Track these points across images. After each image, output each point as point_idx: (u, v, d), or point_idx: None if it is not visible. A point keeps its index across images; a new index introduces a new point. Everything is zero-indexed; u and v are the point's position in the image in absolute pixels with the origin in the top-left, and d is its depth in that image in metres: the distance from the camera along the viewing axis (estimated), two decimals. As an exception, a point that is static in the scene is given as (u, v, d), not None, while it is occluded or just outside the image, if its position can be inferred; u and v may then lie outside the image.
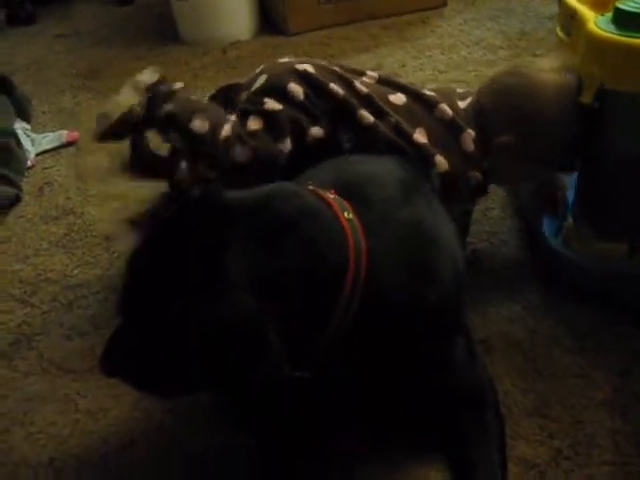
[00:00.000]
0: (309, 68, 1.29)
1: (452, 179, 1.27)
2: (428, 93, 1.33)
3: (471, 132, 1.29)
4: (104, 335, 1.35)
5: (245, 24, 2.65)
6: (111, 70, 2.47)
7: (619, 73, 1.25)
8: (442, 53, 2.36)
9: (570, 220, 1.44)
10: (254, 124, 1.24)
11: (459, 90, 1.39)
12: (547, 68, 1.32)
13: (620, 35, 1.23)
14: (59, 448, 1.19)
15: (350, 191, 1.05)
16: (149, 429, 1.20)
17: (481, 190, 1.33)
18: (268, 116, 1.24)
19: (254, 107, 1.26)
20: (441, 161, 1.27)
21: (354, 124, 1.26)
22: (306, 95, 1.26)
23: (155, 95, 1.30)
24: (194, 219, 0.93)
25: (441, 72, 2.21)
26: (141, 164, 1.84)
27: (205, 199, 0.95)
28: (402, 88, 1.33)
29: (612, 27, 1.26)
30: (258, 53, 2.49)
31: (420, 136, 1.27)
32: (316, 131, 1.26)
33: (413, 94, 1.32)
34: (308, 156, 1.23)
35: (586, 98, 1.30)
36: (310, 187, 1.04)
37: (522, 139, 1.29)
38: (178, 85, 1.32)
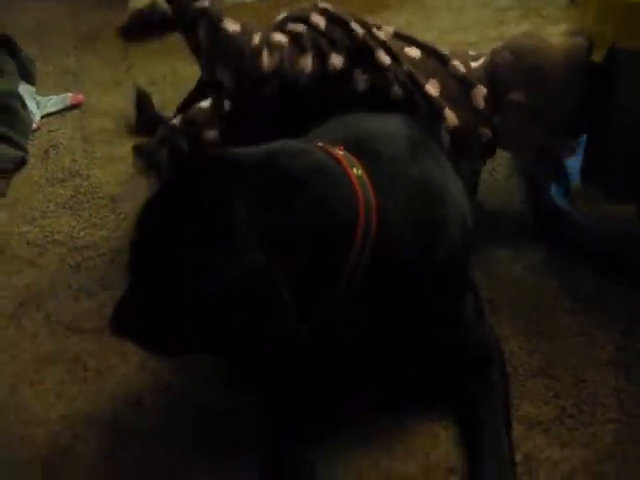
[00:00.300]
0: (331, 8, 1.31)
1: (462, 134, 1.28)
2: (442, 49, 1.34)
3: (482, 88, 1.30)
4: (112, 296, 1.38)
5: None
6: (111, 31, 2.44)
7: (630, 32, 1.24)
8: (450, 14, 2.33)
9: (578, 183, 1.44)
10: (280, 37, 1.27)
11: (472, 52, 1.40)
12: (558, 33, 1.33)
13: (632, -6, 1.22)
14: (68, 406, 1.21)
15: (359, 147, 1.05)
16: (156, 389, 1.21)
17: (491, 149, 1.33)
18: (292, 34, 1.27)
19: (279, 28, 1.29)
20: (450, 115, 1.28)
21: (371, 64, 1.27)
22: (327, 26, 1.28)
23: None
24: (201, 175, 0.93)
25: (447, 33, 2.19)
26: (146, 126, 1.84)
27: (212, 156, 0.95)
28: (417, 43, 1.34)
29: (624, -14, 1.24)
30: (262, 15, 2.45)
31: (432, 88, 1.28)
32: (336, 60, 1.27)
33: (427, 49, 1.33)
34: (327, 90, 1.25)
35: (597, 57, 1.30)
36: (319, 144, 1.04)
37: (533, 98, 1.30)
38: None
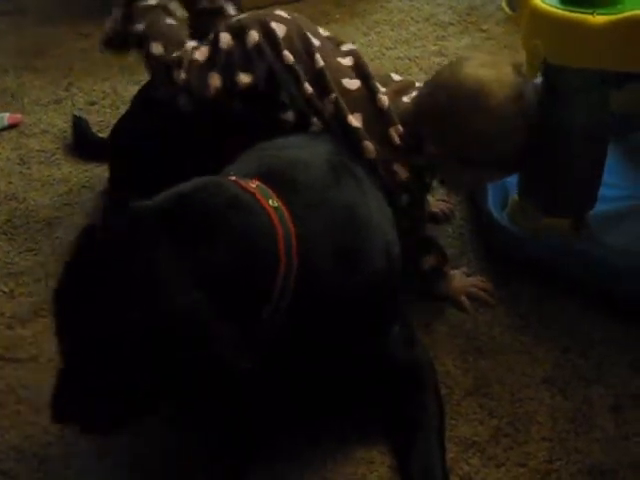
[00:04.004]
0: (278, 29, 1.32)
1: (379, 167, 1.26)
2: (375, 83, 1.31)
3: (399, 127, 1.28)
4: (47, 324, 1.36)
5: (194, 0, 2.60)
6: (56, 49, 2.40)
7: (562, 48, 1.25)
8: (391, 29, 2.34)
9: (515, 195, 1.45)
10: (200, 55, 1.33)
11: (418, 83, 1.36)
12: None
13: (563, 9, 1.23)
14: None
15: (274, 178, 1.05)
16: (90, 419, 1.19)
17: (409, 185, 1.30)
18: (214, 49, 1.33)
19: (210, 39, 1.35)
20: (369, 147, 1.27)
21: (298, 91, 1.29)
22: (257, 45, 1.30)
23: (133, 12, 1.41)
24: (119, 232, 0.93)
25: (388, 49, 2.20)
26: (84, 149, 1.82)
27: (124, 211, 0.94)
28: (361, 73, 1.32)
29: (556, 1, 1.25)
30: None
31: (354, 119, 1.27)
32: (244, 78, 1.29)
33: (367, 80, 1.32)
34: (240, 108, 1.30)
35: (530, 74, 1.31)
36: (232, 178, 1.03)
37: (449, 147, 1.26)
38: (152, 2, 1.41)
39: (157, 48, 1.36)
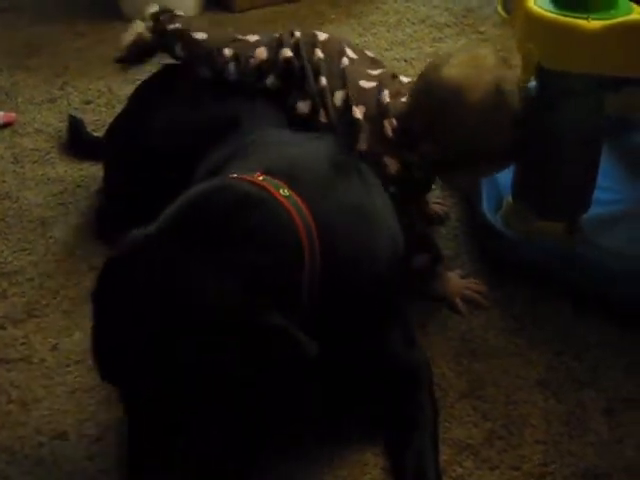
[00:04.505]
0: (320, 35, 1.43)
1: (368, 158, 1.28)
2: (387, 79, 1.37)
3: (393, 120, 1.31)
4: (39, 324, 1.36)
5: (190, 0, 2.59)
6: (50, 48, 2.40)
7: (556, 52, 1.25)
8: (387, 30, 2.34)
9: (509, 198, 1.45)
10: (250, 37, 1.46)
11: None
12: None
13: (557, 13, 1.23)
14: (-10, 440, 1.17)
15: (279, 173, 1.04)
16: (82, 420, 1.19)
17: (398, 179, 1.31)
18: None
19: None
20: (363, 138, 1.30)
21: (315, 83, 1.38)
22: (297, 40, 1.41)
23: (161, 20, 1.52)
24: (143, 258, 0.92)
25: (384, 50, 2.20)
26: (79, 148, 1.82)
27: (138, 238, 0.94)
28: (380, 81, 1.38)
29: (550, 5, 1.25)
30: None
31: (358, 111, 1.32)
32: (286, 52, 1.40)
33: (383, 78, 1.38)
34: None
35: (525, 77, 1.31)
36: (234, 176, 1.03)
37: (443, 146, 1.28)
38: (179, 12, 1.55)
39: (200, 35, 1.47)
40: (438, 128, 1.27)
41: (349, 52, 1.41)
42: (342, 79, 1.36)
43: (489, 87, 1.24)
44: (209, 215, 0.95)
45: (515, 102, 1.26)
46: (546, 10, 1.25)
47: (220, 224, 0.94)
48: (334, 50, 1.40)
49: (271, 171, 1.03)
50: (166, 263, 0.90)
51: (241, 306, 0.88)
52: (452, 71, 1.26)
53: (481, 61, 1.27)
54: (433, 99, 1.27)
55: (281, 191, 0.99)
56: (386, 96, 1.33)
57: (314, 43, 1.41)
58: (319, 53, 1.39)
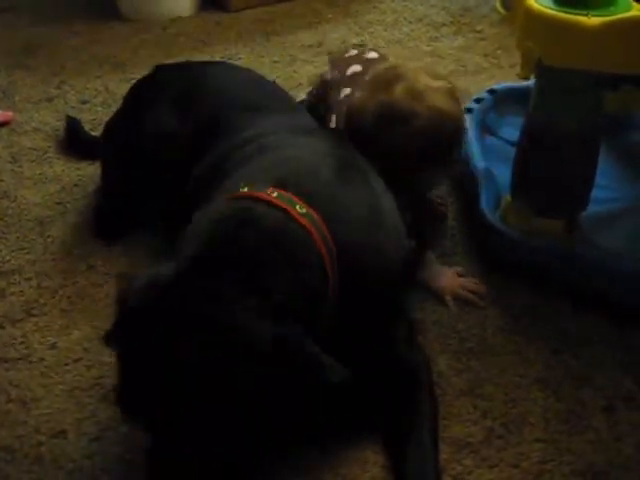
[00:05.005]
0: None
1: None
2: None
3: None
4: (38, 323, 1.36)
5: (186, 0, 2.59)
6: (48, 47, 2.40)
7: (556, 49, 1.25)
8: (385, 30, 2.35)
9: (508, 196, 1.45)
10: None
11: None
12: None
13: (557, 10, 1.23)
14: (-10, 439, 1.17)
15: (289, 183, 1.04)
16: (82, 418, 1.19)
17: None
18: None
19: None
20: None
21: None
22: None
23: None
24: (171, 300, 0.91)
25: (381, 49, 2.18)
26: (77, 147, 1.81)
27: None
28: None
29: (550, 2, 1.26)
30: (199, 30, 2.45)
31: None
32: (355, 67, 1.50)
33: None
34: None
35: (525, 74, 1.31)
36: (245, 191, 1.03)
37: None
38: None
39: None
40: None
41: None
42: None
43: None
44: (235, 249, 0.95)
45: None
46: (546, 7, 1.25)
47: (248, 258, 0.94)
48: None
49: (281, 183, 1.04)
50: (201, 300, 0.90)
51: (277, 340, 0.89)
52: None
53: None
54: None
55: (298, 208, 1.00)
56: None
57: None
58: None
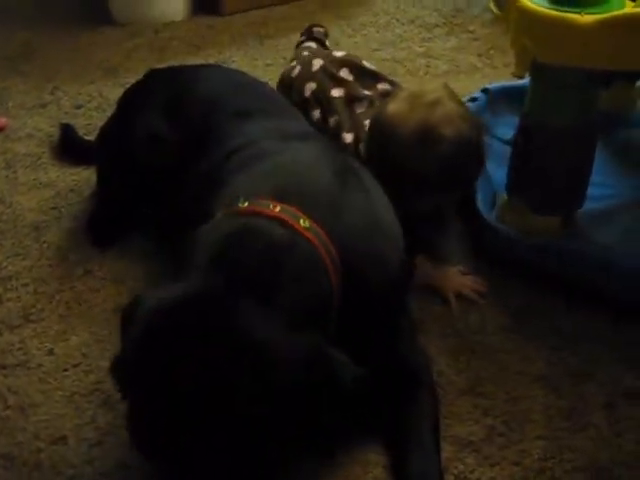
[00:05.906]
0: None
1: None
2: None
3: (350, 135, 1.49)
4: (35, 329, 1.35)
5: (179, 4, 2.59)
6: (41, 53, 2.39)
7: (550, 47, 1.26)
8: (377, 31, 2.35)
9: (504, 194, 1.45)
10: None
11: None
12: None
13: (551, 8, 1.24)
14: (-11, 446, 1.17)
15: (289, 194, 1.04)
16: (81, 424, 1.18)
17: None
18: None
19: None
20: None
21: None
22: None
23: None
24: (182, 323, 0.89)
25: (374, 50, 2.21)
26: (71, 153, 1.81)
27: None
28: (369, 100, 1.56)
29: (544, 0, 1.26)
30: (192, 34, 2.44)
31: (348, 136, 1.49)
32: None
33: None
34: None
35: (519, 72, 1.31)
36: (246, 205, 1.03)
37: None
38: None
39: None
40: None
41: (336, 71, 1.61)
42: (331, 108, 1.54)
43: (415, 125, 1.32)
44: (246, 268, 0.94)
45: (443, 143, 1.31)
46: (540, 5, 1.25)
47: (260, 276, 0.94)
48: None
49: (281, 195, 1.04)
50: (222, 318, 0.88)
51: (311, 350, 0.90)
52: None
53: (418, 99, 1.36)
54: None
55: (301, 222, 1.01)
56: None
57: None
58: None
